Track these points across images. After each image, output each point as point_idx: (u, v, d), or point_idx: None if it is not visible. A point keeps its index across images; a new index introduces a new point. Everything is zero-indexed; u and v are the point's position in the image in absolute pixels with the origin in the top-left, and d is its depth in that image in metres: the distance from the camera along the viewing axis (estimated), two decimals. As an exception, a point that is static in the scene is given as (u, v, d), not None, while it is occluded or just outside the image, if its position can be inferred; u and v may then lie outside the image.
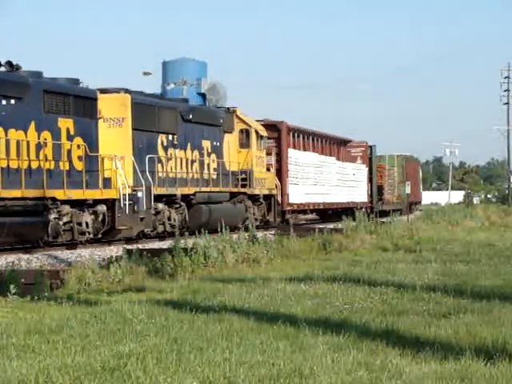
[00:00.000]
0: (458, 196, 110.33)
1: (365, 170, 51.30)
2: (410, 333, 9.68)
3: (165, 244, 23.01)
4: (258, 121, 36.28)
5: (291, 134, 40.87)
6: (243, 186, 33.00)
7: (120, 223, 24.27)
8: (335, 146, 49.02)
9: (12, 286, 13.13)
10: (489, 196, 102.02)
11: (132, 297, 13.57)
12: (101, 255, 20.47)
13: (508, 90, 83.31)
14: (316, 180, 42.51)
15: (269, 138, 36.92)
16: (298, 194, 39.37)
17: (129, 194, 24.47)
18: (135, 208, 24.75)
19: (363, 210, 46.88)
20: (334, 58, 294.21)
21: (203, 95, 53.22)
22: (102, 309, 11.84)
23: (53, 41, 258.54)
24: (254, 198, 33.98)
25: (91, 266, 15.73)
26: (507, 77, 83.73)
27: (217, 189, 30.77)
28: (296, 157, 39.77)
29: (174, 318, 10.86)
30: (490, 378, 7.55)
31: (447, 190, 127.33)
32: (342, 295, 13.03)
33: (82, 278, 15.07)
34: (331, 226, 31.88)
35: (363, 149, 52.18)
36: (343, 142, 51.14)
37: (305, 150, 42.69)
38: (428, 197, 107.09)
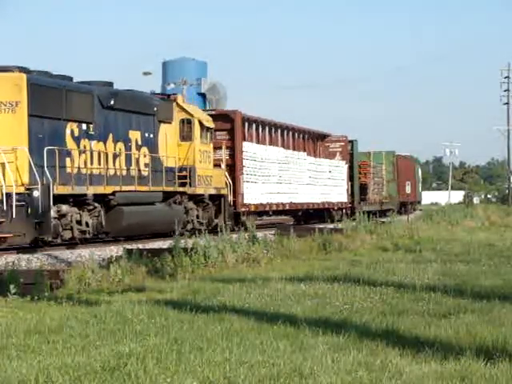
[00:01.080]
0: (458, 196, 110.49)
1: (344, 166, 45.75)
2: (410, 333, 9.68)
3: (164, 244, 22.96)
4: (207, 110, 32.15)
5: (254, 125, 36.53)
6: (184, 184, 28.25)
7: (4, 230, 20.33)
8: (310, 140, 43.94)
9: (12, 286, 13.11)
10: (489, 196, 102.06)
11: (132, 297, 13.57)
12: (101, 255, 20.45)
13: (508, 90, 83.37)
14: (281, 178, 37.19)
15: (220, 130, 32.46)
16: (256, 193, 34.32)
17: (18, 194, 20.44)
18: (29, 211, 20.71)
19: (344, 211, 43.23)
20: (334, 58, 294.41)
21: (203, 95, 53.42)
22: (102, 309, 11.84)
23: (53, 41, 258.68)
24: (197, 199, 29.21)
25: (91, 266, 15.73)
26: (507, 77, 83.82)
27: (145, 188, 26.02)
28: (253, 151, 34.55)
29: (173, 318, 10.86)
30: (489, 377, 7.55)
31: (447, 189, 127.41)
32: (342, 295, 13.03)
33: (82, 277, 15.08)
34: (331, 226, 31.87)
35: (342, 144, 46.51)
36: (320, 137, 45.65)
37: (271, 144, 37.84)
38: (428, 197, 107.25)
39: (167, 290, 14.47)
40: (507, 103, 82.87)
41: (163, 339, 9.33)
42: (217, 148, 31.60)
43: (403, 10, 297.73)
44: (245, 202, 33.07)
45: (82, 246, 23.02)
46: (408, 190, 50.66)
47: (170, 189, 27.34)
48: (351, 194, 46.91)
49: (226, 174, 31.75)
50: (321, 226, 29.98)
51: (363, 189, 49.93)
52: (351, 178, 47.02)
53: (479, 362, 8.10)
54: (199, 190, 29.16)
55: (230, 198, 31.56)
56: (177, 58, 56.33)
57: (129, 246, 20.55)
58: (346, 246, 24.83)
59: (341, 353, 8.53)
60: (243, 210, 32.89)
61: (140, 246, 21.68)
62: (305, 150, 42.13)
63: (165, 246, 20.81)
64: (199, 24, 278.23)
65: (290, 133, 41.26)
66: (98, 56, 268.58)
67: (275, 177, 36.66)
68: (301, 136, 42.72)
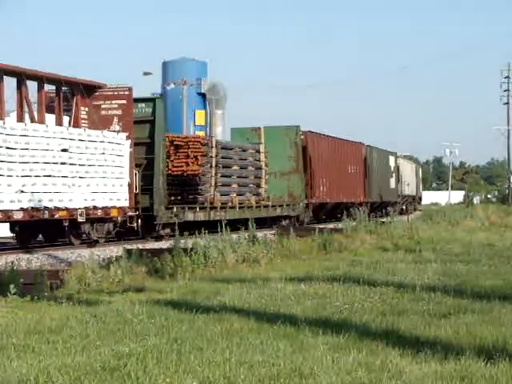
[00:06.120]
0: (458, 196, 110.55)
1: (125, 143, 25.82)
2: (410, 333, 9.68)
3: (165, 244, 22.96)
4: None
5: None
6: None
7: None
8: (42, 93, 23.96)
9: (12, 286, 13.12)
10: (489, 196, 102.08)
11: (132, 297, 13.57)
12: (101, 255, 20.48)
13: (508, 90, 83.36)
14: None
15: None
16: None
17: None
18: None
19: (131, 220, 26.15)
20: (334, 58, 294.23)
21: (203, 95, 53.40)
22: (102, 309, 11.84)
23: (53, 40, 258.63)
24: None
25: (91, 266, 15.75)
26: (507, 77, 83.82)
27: None
28: None
29: (173, 318, 10.86)
30: (489, 377, 7.54)
31: (447, 190, 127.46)
32: (342, 295, 13.03)
33: (82, 277, 15.08)
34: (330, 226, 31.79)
35: (123, 102, 26.65)
36: (80, 89, 25.41)
37: None
38: (428, 197, 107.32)
39: (167, 290, 14.46)
40: (507, 103, 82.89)
41: (163, 339, 9.32)
42: None
43: (404, 10, 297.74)
44: None
45: (82, 245, 23.06)
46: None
47: None
48: (148, 193, 27.59)
49: None
50: (321, 226, 29.92)
51: (188, 184, 30.56)
52: (149, 164, 27.75)
53: (479, 361, 8.09)
54: None
55: None
56: (177, 57, 56.35)
57: (129, 246, 20.58)
58: (346, 245, 24.83)
59: (341, 353, 8.53)
60: None
61: (140, 246, 21.73)
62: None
63: (165, 246, 20.82)
64: (199, 24, 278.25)
65: None
66: (97, 55, 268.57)
67: None
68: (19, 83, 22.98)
